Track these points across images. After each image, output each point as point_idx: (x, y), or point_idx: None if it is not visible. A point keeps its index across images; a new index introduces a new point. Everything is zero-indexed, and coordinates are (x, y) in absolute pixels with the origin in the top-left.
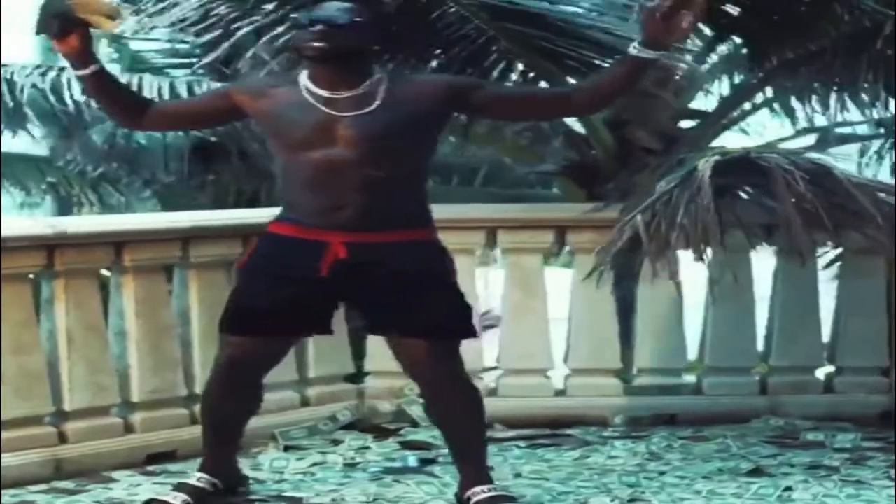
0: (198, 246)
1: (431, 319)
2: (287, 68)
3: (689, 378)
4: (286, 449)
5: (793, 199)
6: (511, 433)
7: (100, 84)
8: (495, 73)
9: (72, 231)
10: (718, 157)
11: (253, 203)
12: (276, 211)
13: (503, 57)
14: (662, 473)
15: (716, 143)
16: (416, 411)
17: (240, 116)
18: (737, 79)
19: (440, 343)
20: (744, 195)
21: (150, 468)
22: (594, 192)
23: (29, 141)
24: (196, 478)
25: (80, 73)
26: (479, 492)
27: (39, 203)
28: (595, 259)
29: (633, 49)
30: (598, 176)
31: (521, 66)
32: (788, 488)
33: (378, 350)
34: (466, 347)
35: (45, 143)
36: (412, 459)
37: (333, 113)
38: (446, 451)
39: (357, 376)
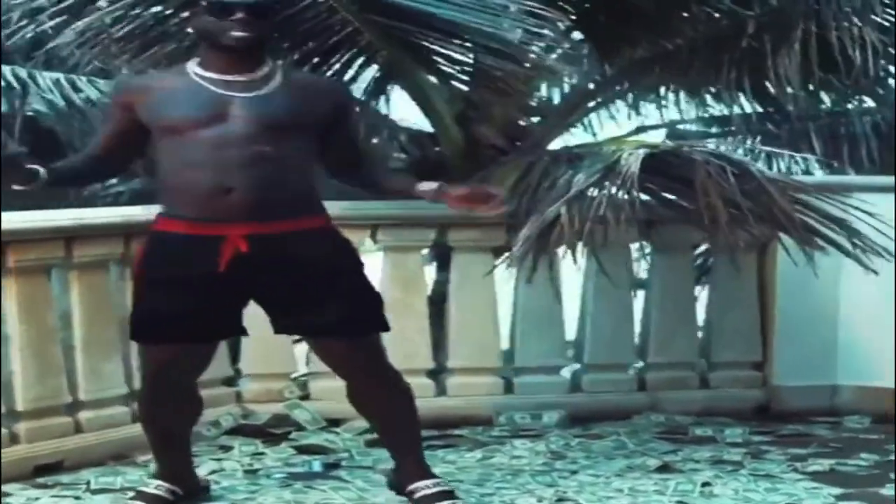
0: (81, 245)
1: (347, 316)
2: None
3: (568, 375)
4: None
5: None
6: None
7: (57, 180)
8: (354, 67)
9: None
10: (647, 151)
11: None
12: (153, 208)
13: (364, 51)
14: (575, 472)
15: (559, 140)
16: (301, 415)
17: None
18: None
19: (359, 341)
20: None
21: (40, 480)
22: None
23: None
24: (154, 485)
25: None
26: (425, 486)
27: None
28: (511, 253)
29: (420, 187)
30: (444, 173)
31: (380, 62)
32: (707, 483)
33: (254, 352)
34: None
35: None
36: (316, 464)
37: (226, 93)
38: (344, 454)
39: (234, 379)
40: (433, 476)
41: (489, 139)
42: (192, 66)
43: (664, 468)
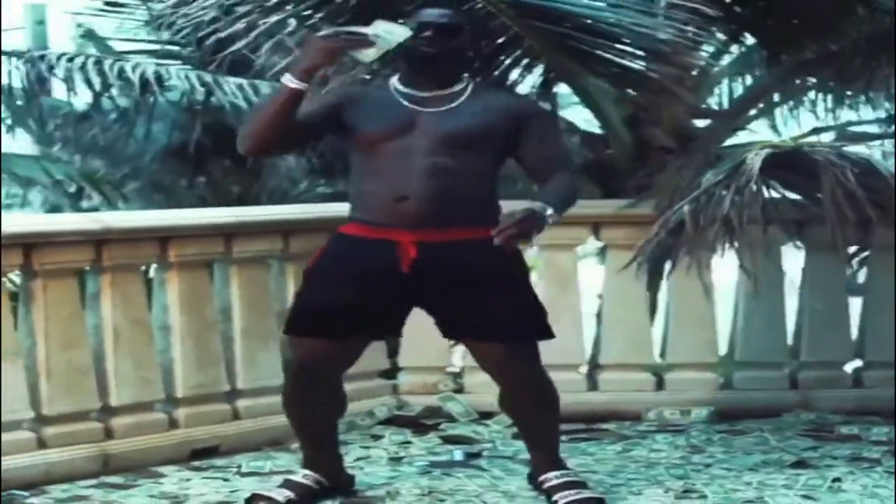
0: (240, 242)
1: (509, 322)
2: None
3: (723, 371)
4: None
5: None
6: None
7: (293, 104)
8: (516, 72)
9: (117, 226)
10: (769, 151)
11: (242, 202)
12: (311, 207)
13: (525, 55)
14: (709, 466)
15: (730, 142)
16: (454, 407)
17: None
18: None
19: (519, 346)
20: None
21: (195, 463)
22: (610, 189)
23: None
24: (301, 475)
25: (298, 86)
26: (553, 477)
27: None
28: (636, 252)
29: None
30: (615, 174)
31: (542, 66)
32: (837, 479)
33: (411, 346)
34: None
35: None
36: (458, 453)
37: (416, 108)
38: (488, 444)
39: (391, 372)
40: (564, 467)
41: (658, 141)
42: (394, 81)
43: (800, 464)
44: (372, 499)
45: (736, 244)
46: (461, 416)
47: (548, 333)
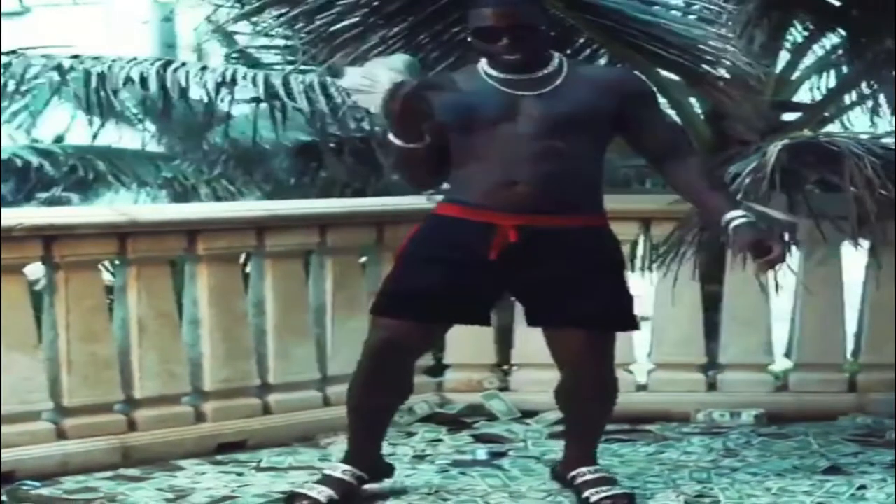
0: (273, 235)
1: (596, 311)
2: None
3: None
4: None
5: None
6: None
7: (418, 157)
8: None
9: (143, 219)
10: (787, 142)
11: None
12: (348, 201)
13: (588, 45)
14: (735, 470)
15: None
16: (496, 405)
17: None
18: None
19: (601, 337)
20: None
21: (218, 457)
22: None
23: (139, 137)
24: (341, 470)
25: (410, 146)
26: (585, 472)
27: (156, 198)
28: (669, 246)
29: (734, 221)
30: None
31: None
32: (863, 487)
33: (457, 343)
34: None
35: (160, 141)
36: (481, 452)
37: (515, 93)
38: (519, 444)
39: (436, 369)
40: (596, 463)
41: (741, 135)
42: (483, 66)
43: (832, 469)
44: (376, 496)
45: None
46: (503, 415)
47: (633, 325)
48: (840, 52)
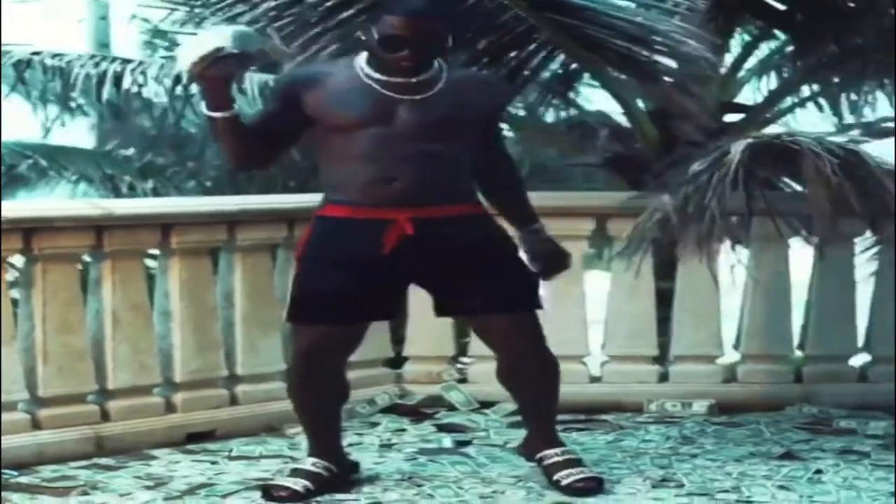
0: (244, 230)
1: (512, 294)
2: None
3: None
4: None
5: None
6: None
7: (229, 127)
8: (535, 62)
9: (119, 213)
10: (750, 141)
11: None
12: (315, 196)
13: (543, 46)
14: (695, 456)
15: None
16: (455, 396)
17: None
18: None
19: (523, 317)
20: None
21: (189, 447)
22: (636, 183)
23: (77, 133)
24: (310, 462)
25: (217, 114)
26: (553, 454)
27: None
28: (626, 241)
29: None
30: (642, 168)
31: (564, 57)
32: (819, 471)
33: (416, 336)
34: None
35: (94, 133)
36: (447, 441)
37: (394, 95)
38: (482, 433)
39: (396, 361)
40: (562, 444)
41: (687, 135)
42: (361, 63)
43: (787, 456)
44: (349, 483)
45: (734, 236)
46: (462, 406)
47: (538, 304)
48: (783, 54)
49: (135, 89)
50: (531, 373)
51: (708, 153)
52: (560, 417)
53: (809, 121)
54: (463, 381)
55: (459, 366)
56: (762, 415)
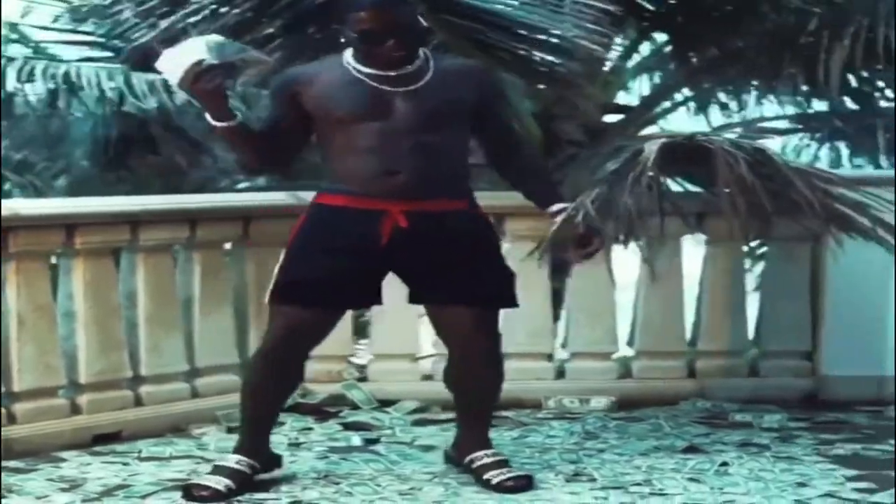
0: (146, 230)
1: (482, 288)
2: None
3: (622, 360)
4: (230, 430)
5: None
6: (450, 415)
7: (236, 135)
8: None
9: (24, 213)
10: (664, 140)
11: None
12: (217, 196)
13: (436, 49)
14: (601, 451)
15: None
16: (356, 395)
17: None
18: (661, 75)
19: (487, 314)
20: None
21: (96, 448)
22: None
23: None
24: (234, 460)
25: (221, 124)
26: (483, 455)
27: None
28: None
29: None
30: None
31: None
32: (724, 464)
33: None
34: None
35: None
36: (356, 439)
37: (388, 89)
38: (387, 431)
39: None
40: (491, 447)
41: (569, 135)
42: (349, 59)
43: (691, 449)
44: (267, 483)
45: (638, 235)
46: (363, 404)
47: (515, 302)
48: (663, 56)
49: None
50: (480, 378)
51: (612, 155)
52: None
53: (681, 123)
54: (363, 379)
55: (359, 364)
56: (659, 409)
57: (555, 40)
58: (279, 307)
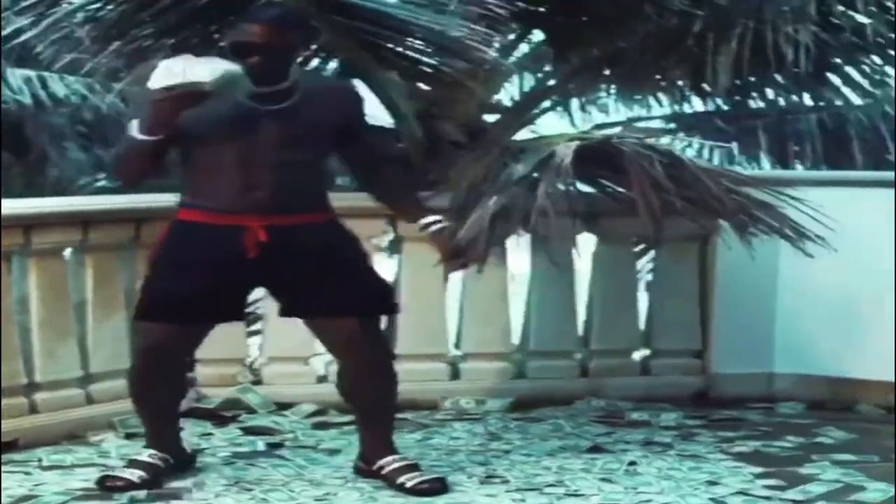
0: (39, 233)
1: (361, 297)
2: None
3: (516, 360)
4: (128, 437)
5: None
6: (348, 418)
7: (153, 151)
8: (312, 64)
9: None
10: (578, 143)
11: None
12: (111, 198)
13: (322, 48)
14: (508, 452)
15: (517, 137)
16: (252, 399)
17: None
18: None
19: (368, 321)
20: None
21: None
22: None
23: None
24: (147, 454)
25: (149, 139)
26: (392, 460)
27: None
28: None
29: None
30: (406, 168)
31: (339, 59)
32: (633, 463)
33: (208, 338)
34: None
35: None
36: (260, 444)
37: (256, 106)
38: (289, 435)
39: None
40: (398, 452)
41: (450, 136)
42: None
43: (595, 449)
44: (179, 490)
45: (537, 235)
46: (260, 408)
47: (395, 308)
48: (542, 56)
49: None
50: (372, 384)
51: (518, 156)
52: None
53: (561, 123)
54: (257, 382)
55: (254, 367)
56: (556, 409)
57: (442, 41)
58: (144, 325)
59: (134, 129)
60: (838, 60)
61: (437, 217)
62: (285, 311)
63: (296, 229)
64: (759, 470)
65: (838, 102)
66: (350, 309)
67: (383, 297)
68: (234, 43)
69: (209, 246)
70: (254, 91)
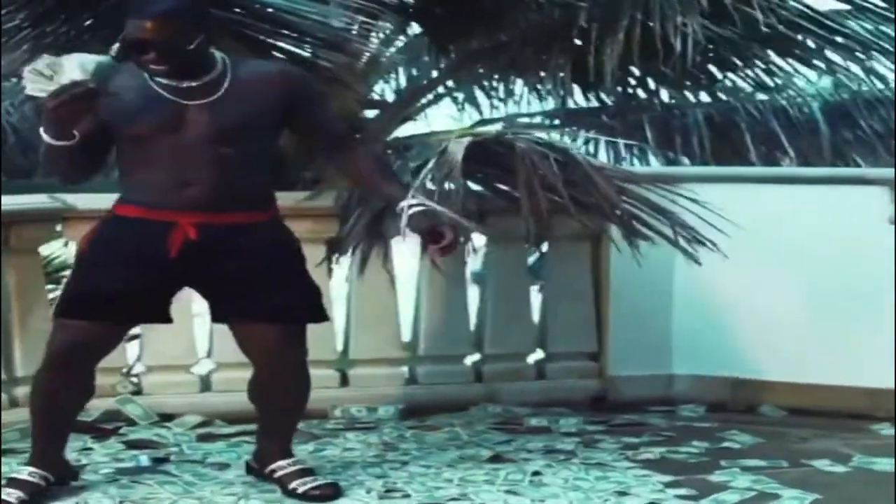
0: None
1: (287, 304)
2: None
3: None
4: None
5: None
6: (234, 429)
7: (69, 153)
8: None
9: None
10: (471, 140)
11: None
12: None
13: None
14: (406, 463)
15: (397, 133)
16: (133, 410)
17: None
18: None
19: (293, 329)
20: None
21: None
22: (285, 182)
23: None
24: (27, 472)
25: (60, 143)
26: (285, 465)
27: None
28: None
29: (411, 209)
30: (284, 166)
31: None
32: (537, 473)
33: None
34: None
35: None
36: (144, 459)
37: (182, 101)
38: (174, 448)
39: None
40: (293, 456)
41: None
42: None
43: (496, 458)
44: None
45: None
46: (141, 419)
47: (324, 316)
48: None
49: None
50: (286, 392)
51: (403, 153)
52: (249, 427)
53: (441, 117)
54: (137, 392)
55: (133, 378)
56: (451, 416)
57: (320, 32)
58: (63, 320)
59: (42, 130)
60: (729, 55)
61: (421, 199)
62: (217, 316)
63: (231, 229)
64: (667, 478)
65: (723, 97)
66: (281, 316)
67: (315, 305)
68: (123, 40)
69: (139, 242)
70: (176, 86)
